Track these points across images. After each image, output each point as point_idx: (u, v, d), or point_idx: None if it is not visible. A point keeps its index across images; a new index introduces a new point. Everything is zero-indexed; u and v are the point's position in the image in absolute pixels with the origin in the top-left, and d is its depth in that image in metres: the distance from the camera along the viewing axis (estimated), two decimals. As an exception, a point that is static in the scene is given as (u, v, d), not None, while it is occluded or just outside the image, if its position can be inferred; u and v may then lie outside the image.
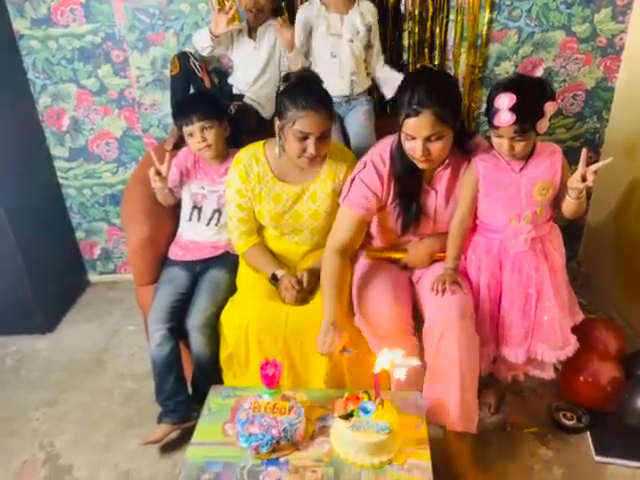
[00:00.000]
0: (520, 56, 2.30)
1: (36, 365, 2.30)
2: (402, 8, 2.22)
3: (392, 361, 1.40)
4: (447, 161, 1.65)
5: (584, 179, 1.47)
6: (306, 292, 1.76)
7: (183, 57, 2.11)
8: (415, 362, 1.46)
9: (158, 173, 1.86)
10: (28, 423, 2.00)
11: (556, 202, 1.63)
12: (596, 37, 2.25)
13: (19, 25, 2.28)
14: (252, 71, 2.14)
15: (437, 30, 2.25)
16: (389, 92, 2.18)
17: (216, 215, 1.98)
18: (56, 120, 2.48)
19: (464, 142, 1.66)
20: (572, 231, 2.62)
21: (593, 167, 1.46)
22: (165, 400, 1.80)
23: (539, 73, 2.31)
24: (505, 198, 1.60)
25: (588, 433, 1.81)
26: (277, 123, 1.68)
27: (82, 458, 1.83)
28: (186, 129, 1.88)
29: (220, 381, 1.81)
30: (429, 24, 2.23)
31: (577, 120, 2.43)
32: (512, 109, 1.43)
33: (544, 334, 1.67)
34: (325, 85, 2.07)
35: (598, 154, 2.48)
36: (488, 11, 2.20)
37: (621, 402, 1.82)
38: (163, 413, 1.80)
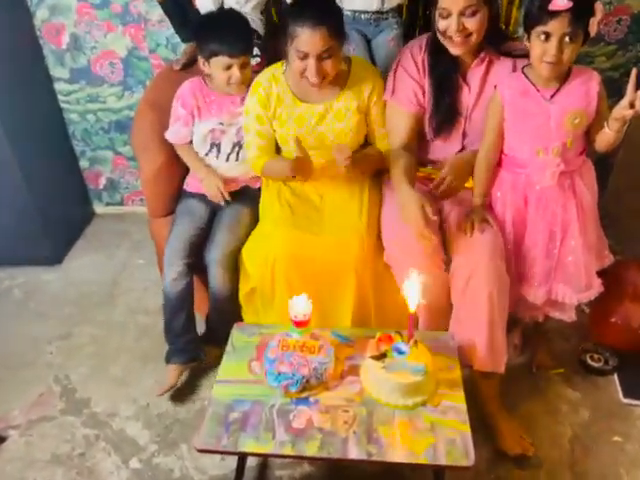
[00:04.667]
0: (566, -28, 2.10)
1: (45, 297, 2.24)
2: None
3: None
4: (483, 54, 1.58)
5: (632, 106, 1.34)
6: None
7: None
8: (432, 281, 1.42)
9: (227, 202, 1.80)
10: (41, 356, 1.96)
11: (589, 134, 1.51)
12: (651, -48, 2.06)
13: None
14: None
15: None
16: None
17: (236, 149, 1.84)
18: (55, 37, 2.29)
19: (498, 39, 1.58)
20: (601, 170, 2.51)
21: None
22: (174, 338, 1.75)
23: (585, -6, 2.12)
24: (532, 128, 1.49)
25: (615, 375, 1.78)
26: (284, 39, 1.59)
27: (99, 392, 1.81)
28: (224, 60, 1.66)
29: (237, 319, 1.74)
30: None
31: (619, 48, 2.26)
32: None
33: (567, 275, 1.60)
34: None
35: (638, 86, 2.33)
36: None
37: (652, 345, 1.79)
38: (172, 352, 1.76)
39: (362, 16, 1.96)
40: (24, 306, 2.20)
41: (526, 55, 1.49)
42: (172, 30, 2.20)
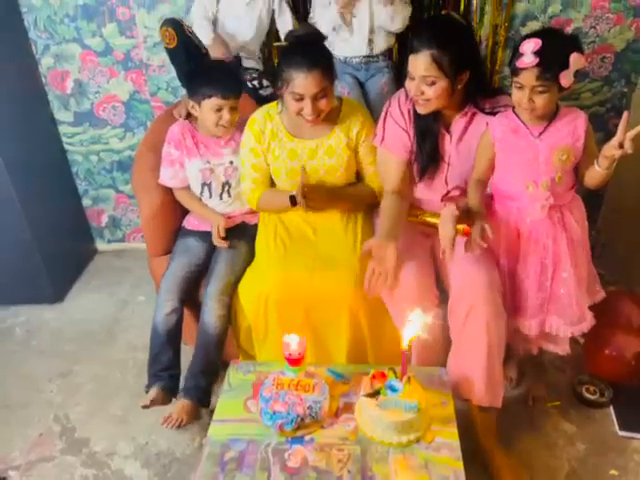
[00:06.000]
0: (548, 16, 2.18)
1: (46, 335, 2.27)
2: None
3: (417, 332, 1.36)
4: (466, 109, 1.64)
5: (621, 146, 1.39)
6: (317, 195, 1.69)
7: (177, 27, 1.95)
8: (429, 318, 1.41)
9: (224, 238, 1.83)
10: (42, 394, 1.97)
11: (578, 170, 1.56)
12: (630, -5, 2.14)
13: (17, -21, 2.16)
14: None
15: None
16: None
17: (226, 188, 1.90)
18: (60, 82, 2.38)
19: (481, 96, 1.63)
20: (591, 200, 2.54)
21: (631, 133, 1.37)
22: (160, 371, 1.75)
23: (568, 34, 2.20)
24: (522, 163, 1.54)
25: (611, 408, 1.79)
26: (279, 83, 1.66)
27: (98, 431, 1.81)
28: (217, 102, 1.73)
29: (219, 369, 1.76)
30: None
31: (604, 84, 2.33)
32: (536, 53, 1.38)
33: (559, 307, 1.62)
34: (341, 46, 1.97)
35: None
36: (516, -34, 2.08)
37: (646, 377, 1.79)
38: (154, 382, 1.73)
39: (353, 60, 2.04)
40: (26, 344, 2.22)
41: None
42: (172, 74, 2.29)
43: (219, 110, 1.75)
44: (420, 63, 1.50)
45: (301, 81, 1.58)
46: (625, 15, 2.17)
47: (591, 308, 1.66)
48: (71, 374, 2.06)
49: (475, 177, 1.64)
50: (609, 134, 2.47)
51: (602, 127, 2.38)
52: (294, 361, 1.40)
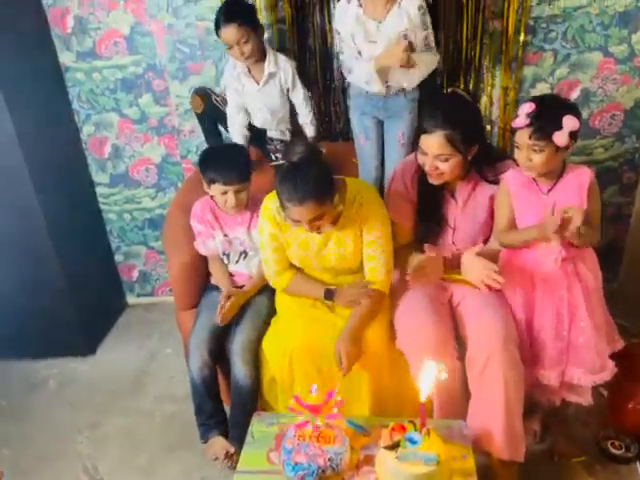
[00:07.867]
0: (556, 78, 2.28)
1: (78, 387, 2.34)
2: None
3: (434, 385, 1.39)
4: (470, 176, 1.73)
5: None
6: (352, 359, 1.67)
7: (206, 95, 2.13)
8: (447, 372, 1.44)
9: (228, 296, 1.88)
10: (72, 446, 2.03)
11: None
12: (634, 57, 2.23)
13: (65, 58, 2.37)
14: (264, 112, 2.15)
15: (471, 53, 2.25)
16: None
17: (242, 256, 1.99)
18: (98, 148, 2.56)
19: (485, 164, 1.71)
20: (612, 253, 2.57)
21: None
22: (206, 420, 1.84)
23: (576, 94, 2.29)
24: (534, 217, 1.60)
25: (637, 463, 1.76)
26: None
27: (126, 483, 1.86)
28: (220, 187, 1.85)
29: (256, 409, 1.80)
30: (464, 47, 2.24)
31: (616, 140, 2.39)
32: (529, 114, 1.48)
33: (579, 357, 1.64)
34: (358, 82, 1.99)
35: (638, 174, 2.44)
36: (523, 34, 2.20)
37: (672, 431, 1.77)
38: (207, 430, 1.83)
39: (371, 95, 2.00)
40: (58, 396, 2.30)
41: None
42: (201, 138, 2.45)
43: (225, 193, 1.87)
44: (434, 143, 1.60)
45: (295, 211, 1.56)
46: (631, 75, 2.26)
47: (614, 361, 1.67)
48: (100, 425, 2.12)
49: (498, 230, 1.70)
50: (623, 187, 2.54)
51: (616, 181, 2.44)
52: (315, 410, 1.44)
